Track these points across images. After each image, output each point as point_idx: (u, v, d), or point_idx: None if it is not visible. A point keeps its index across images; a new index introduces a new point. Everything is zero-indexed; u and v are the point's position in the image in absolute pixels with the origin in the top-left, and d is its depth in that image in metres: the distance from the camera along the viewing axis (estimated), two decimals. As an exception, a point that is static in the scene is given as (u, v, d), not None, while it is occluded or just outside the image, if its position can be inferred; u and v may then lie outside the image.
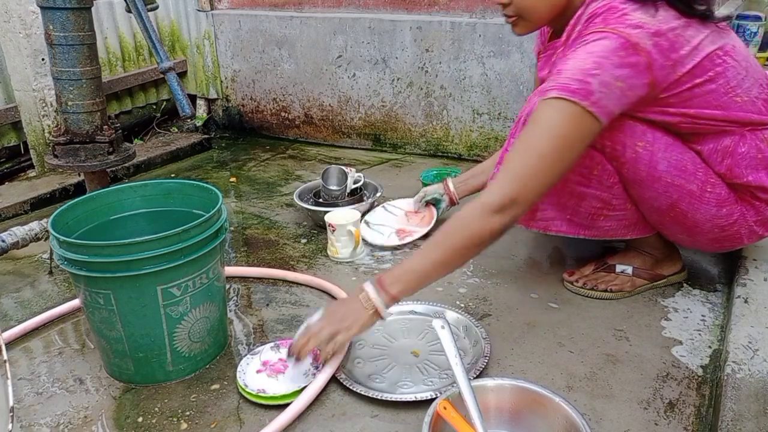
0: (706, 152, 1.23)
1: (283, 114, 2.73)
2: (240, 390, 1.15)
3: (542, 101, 1.10)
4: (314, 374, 1.14)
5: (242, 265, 1.64)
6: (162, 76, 1.87)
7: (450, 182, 1.72)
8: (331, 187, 1.89)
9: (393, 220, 1.80)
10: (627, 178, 1.26)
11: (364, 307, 1.11)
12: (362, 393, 1.12)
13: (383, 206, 1.86)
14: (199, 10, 2.72)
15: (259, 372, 1.17)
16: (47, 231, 1.47)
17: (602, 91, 1.07)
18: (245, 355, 1.22)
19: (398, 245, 1.69)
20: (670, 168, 1.22)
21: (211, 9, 2.72)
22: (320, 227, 1.78)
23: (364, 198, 1.88)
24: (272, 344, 1.24)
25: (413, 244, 1.69)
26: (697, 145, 1.23)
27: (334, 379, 1.16)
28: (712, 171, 1.24)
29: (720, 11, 2.53)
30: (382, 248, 1.69)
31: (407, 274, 1.13)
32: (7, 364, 0.85)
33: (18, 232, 1.54)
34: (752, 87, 1.20)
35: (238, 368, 1.18)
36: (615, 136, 1.22)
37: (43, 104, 2.22)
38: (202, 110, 2.89)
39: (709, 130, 1.21)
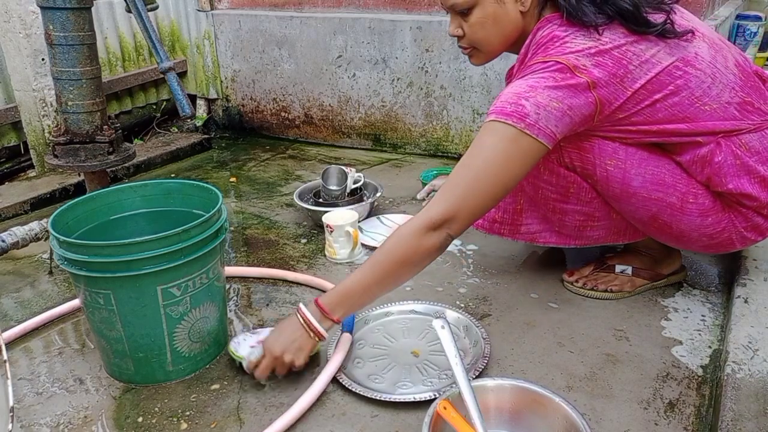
0: (685, 163, 1.22)
1: (283, 114, 2.73)
2: (229, 352, 1.18)
3: (483, 124, 1.12)
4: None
5: (242, 265, 1.64)
6: (162, 76, 1.87)
7: None
8: (331, 187, 1.90)
9: (386, 231, 1.79)
10: (602, 194, 1.27)
11: (307, 335, 1.12)
12: (362, 393, 1.12)
13: (378, 217, 1.86)
14: (199, 10, 2.72)
15: (253, 347, 1.18)
16: (47, 231, 1.48)
17: (538, 113, 1.07)
18: (243, 330, 1.23)
19: None
20: (646, 183, 1.21)
21: (211, 9, 2.72)
22: (320, 227, 1.77)
23: (364, 198, 1.88)
24: (272, 328, 1.24)
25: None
26: (677, 156, 1.22)
27: (334, 380, 1.16)
28: (694, 181, 1.22)
29: (719, 11, 2.53)
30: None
31: (347, 296, 1.13)
32: (7, 364, 0.85)
33: (18, 232, 1.54)
34: (722, 92, 1.17)
35: (234, 339, 1.21)
36: (584, 157, 1.22)
37: (43, 104, 2.22)
38: (202, 110, 2.90)
39: (680, 143, 1.20)
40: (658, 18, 1.13)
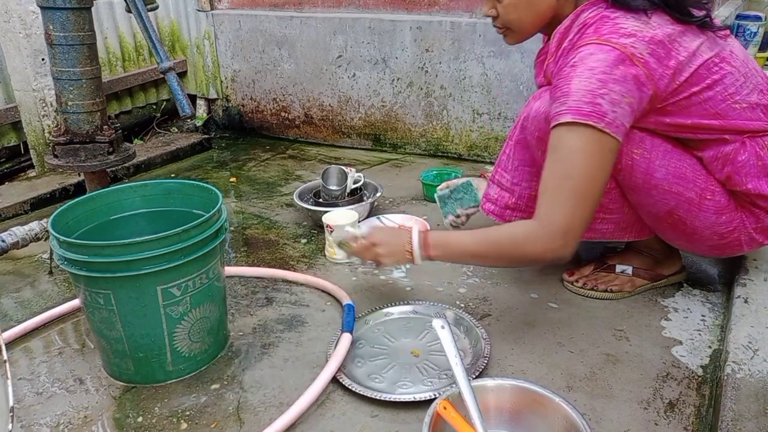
0: (706, 159, 1.23)
1: (283, 114, 2.73)
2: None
3: (559, 127, 1.10)
4: None
5: (242, 265, 1.64)
6: (162, 76, 1.87)
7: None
8: (331, 187, 1.89)
9: None
10: (623, 184, 1.26)
11: (405, 249, 1.23)
12: (362, 393, 1.12)
13: (378, 217, 1.86)
14: (199, 10, 2.72)
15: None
16: (47, 231, 1.48)
17: (615, 111, 1.08)
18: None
19: None
20: (668, 176, 1.21)
21: (211, 9, 2.72)
22: (320, 227, 1.77)
23: (364, 198, 1.88)
24: (375, 217, 1.42)
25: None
26: (698, 151, 1.23)
27: (334, 380, 1.16)
28: (712, 178, 1.23)
29: (719, 11, 2.53)
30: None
31: (448, 247, 1.22)
32: (7, 364, 0.85)
33: (18, 232, 1.54)
34: (752, 93, 1.19)
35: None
36: None
37: (43, 104, 2.22)
38: (202, 110, 2.90)
39: (707, 139, 1.21)
40: (698, 12, 1.16)
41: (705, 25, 1.15)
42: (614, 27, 1.11)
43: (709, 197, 1.23)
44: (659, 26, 1.12)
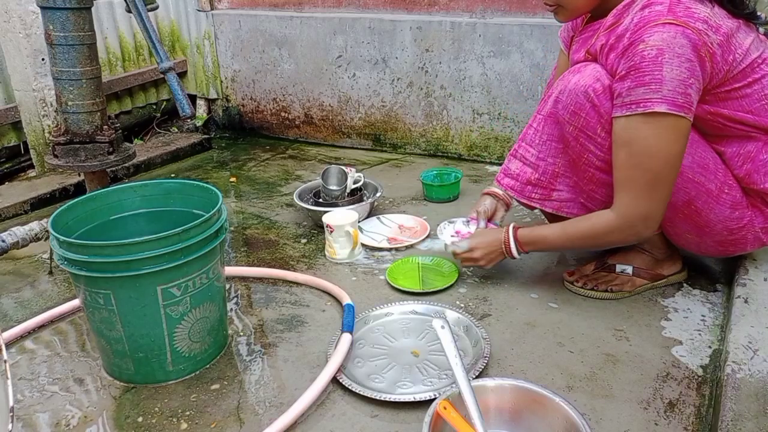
0: (728, 154, 1.24)
1: (283, 114, 2.73)
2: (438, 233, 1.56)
3: (649, 115, 1.12)
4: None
5: (242, 265, 1.64)
6: (162, 76, 1.87)
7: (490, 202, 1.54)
8: (331, 187, 1.89)
9: (386, 231, 1.80)
10: None
11: (502, 254, 1.40)
12: (362, 393, 1.12)
13: (378, 217, 1.86)
14: (199, 10, 2.72)
15: (453, 236, 1.52)
16: (47, 231, 1.48)
17: (696, 99, 1.12)
18: (443, 221, 1.58)
19: (393, 247, 1.69)
20: (693, 164, 1.22)
21: (211, 9, 2.72)
22: (320, 227, 1.77)
23: (364, 198, 1.88)
24: (464, 219, 1.55)
25: (407, 247, 1.70)
26: (720, 146, 1.25)
27: (334, 380, 1.16)
28: (730, 173, 1.25)
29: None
30: (380, 249, 1.69)
31: (538, 242, 1.36)
32: (7, 364, 0.85)
33: (18, 232, 1.54)
34: None
35: (439, 226, 1.57)
36: None
37: (43, 104, 2.22)
38: (202, 110, 2.90)
39: (735, 133, 1.23)
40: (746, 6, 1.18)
41: (753, 18, 1.17)
42: (688, 10, 1.11)
43: (726, 191, 1.25)
44: (721, 18, 1.13)
